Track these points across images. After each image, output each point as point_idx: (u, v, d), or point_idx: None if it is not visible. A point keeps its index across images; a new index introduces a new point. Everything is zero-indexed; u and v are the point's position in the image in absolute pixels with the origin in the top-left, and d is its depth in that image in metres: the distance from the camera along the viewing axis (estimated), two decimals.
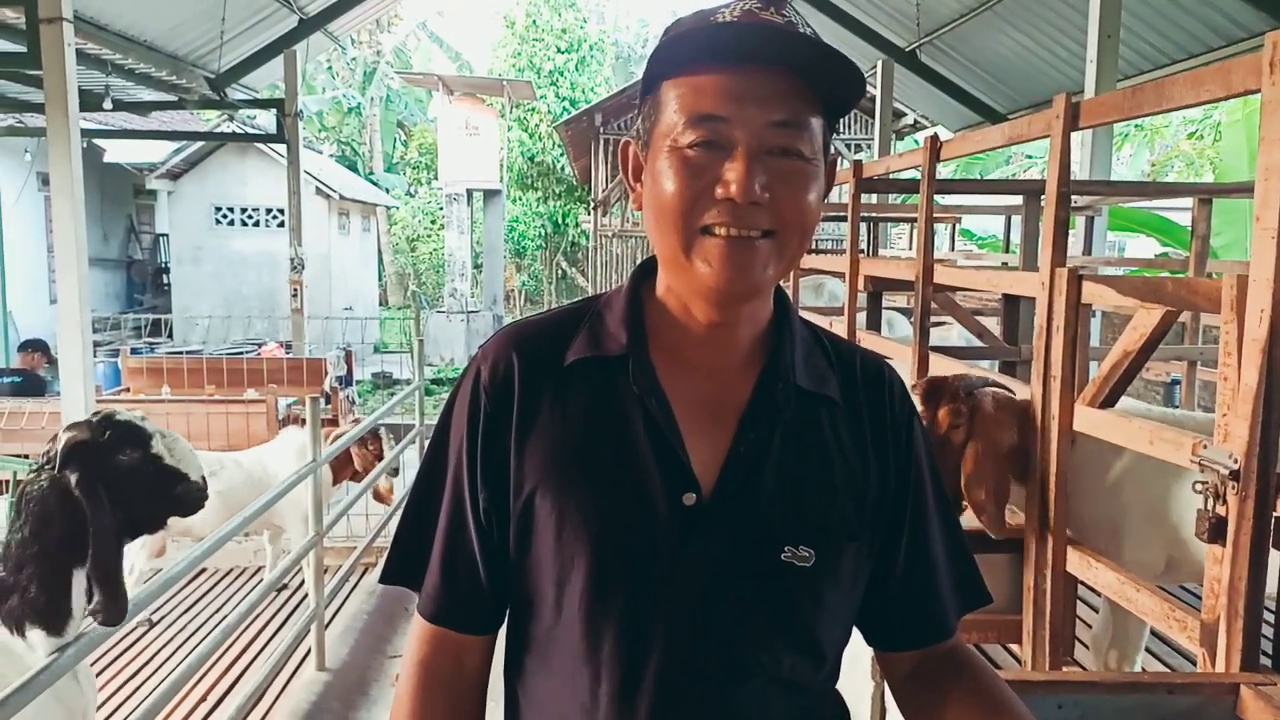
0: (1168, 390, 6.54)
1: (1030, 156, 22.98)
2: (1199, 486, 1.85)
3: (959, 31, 9.70)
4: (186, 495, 2.33)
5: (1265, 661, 1.86)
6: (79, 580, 2.09)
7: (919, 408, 2.40)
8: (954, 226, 10.02)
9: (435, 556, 0.98)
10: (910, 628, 1.03)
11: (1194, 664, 3.37)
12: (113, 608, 2.08)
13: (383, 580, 1.04)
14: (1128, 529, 2.54)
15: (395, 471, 5.95)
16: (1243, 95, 1.86)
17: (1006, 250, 8.90)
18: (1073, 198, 4.99)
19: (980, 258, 9.06)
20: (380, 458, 5.58)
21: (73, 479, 2.07)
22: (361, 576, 5.64)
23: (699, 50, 0.87)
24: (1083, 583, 2.49)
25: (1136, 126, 18.25)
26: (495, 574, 0.97)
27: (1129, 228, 11.37)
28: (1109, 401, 2.34)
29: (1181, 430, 1.99)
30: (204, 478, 2.38)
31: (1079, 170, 6.27)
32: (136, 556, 4.81)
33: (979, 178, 16.20)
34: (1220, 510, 1.79)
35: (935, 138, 3.26)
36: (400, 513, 1.08)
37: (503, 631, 1.02)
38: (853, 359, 1.02)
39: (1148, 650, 2.81)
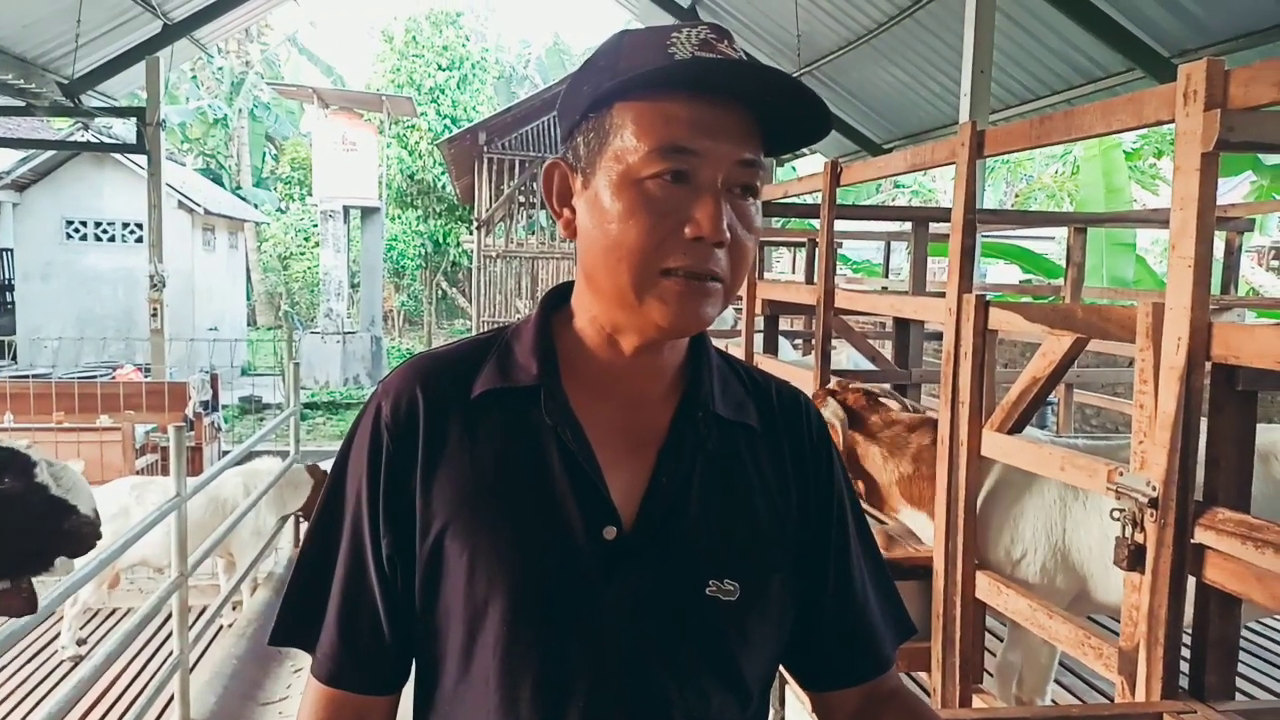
0: (1040, 413, 6.81)
1: (899, 185, 23.94)
2: (1116, 514, 1.85)
3: (838, 63, 9.98)
4: (75, 530, 2.08)
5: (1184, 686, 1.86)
6: None
7: (843, 410, 2.44)
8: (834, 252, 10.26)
9: (332, 611, 0.91)
10: (847, 662, 0.99)
11: (1103, 694, 3.46)
12: None
13: (273, 642, 0.95)
14: (1026, 556, 2.56)
15: None
16: (1154, 125, 1.89)
17: (886, 275, 9.17)
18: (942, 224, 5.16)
19: (861, 282, 9.30)
20: None
21: None
22: (230, 623, 5.27)
23: (669, 76, 0.82)
24: (991, 610, 2.49)
25: (1003, 161, 19.25)
26: (399, 627, 0.90)
27: (990, 255, 11.94)
28: (1017, 427, 2.35)
29: (1095, 457, 2.00)
30: (95, 511, 2.15)
31: (948, 199, 6.48)
32: (85, 589, 4.46)
33: (853, 204, 16.72)
34: (1139, 538, 1.79)
35: (835, 163, 3.26)
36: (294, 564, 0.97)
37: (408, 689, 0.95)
38: (768, 387, 1.00)
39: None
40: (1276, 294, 11.20)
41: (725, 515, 0.90)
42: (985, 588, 2.44)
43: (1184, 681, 1.86)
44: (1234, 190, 13.14)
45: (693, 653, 0.87)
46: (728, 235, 0.83)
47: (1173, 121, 1.70)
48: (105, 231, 15.56)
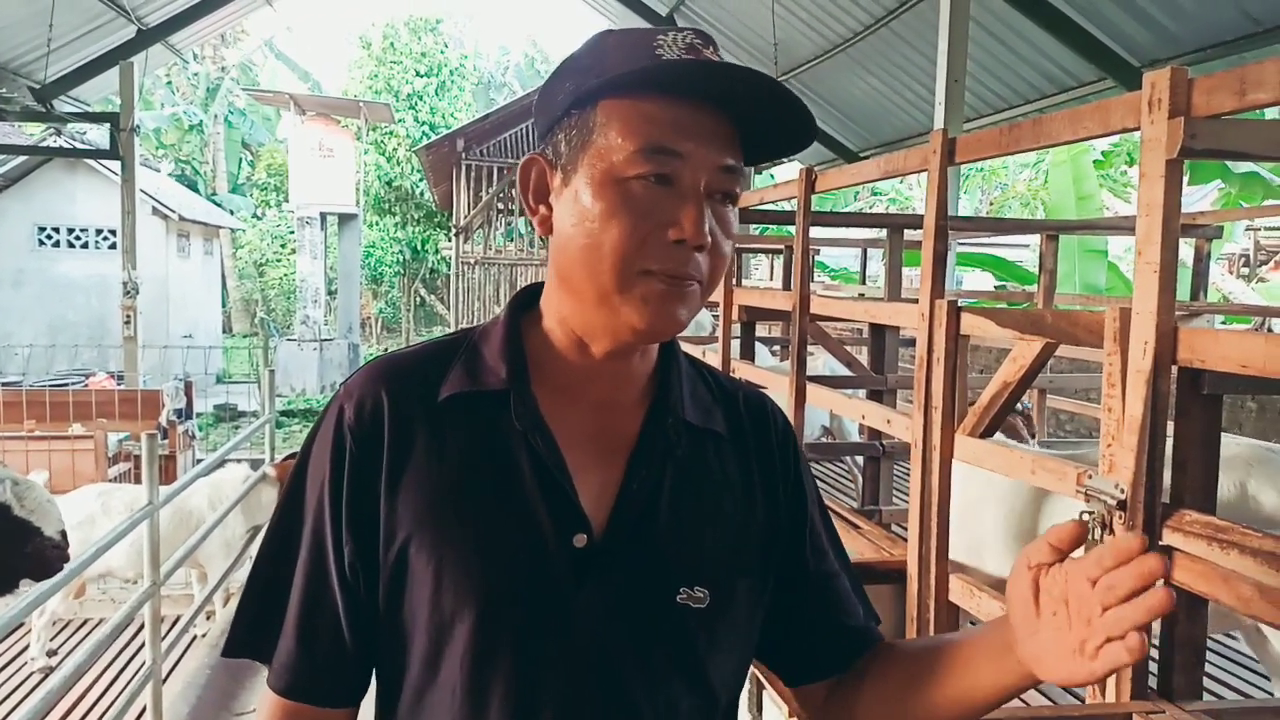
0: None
1: (877, 193, 24.11)
2: (1085, 516, 1.87)
3: (815, 72, 10.06)
4: (39, 554, 2.00)
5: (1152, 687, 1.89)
6: None
7: None
8: (810, 259, 10.33)
9: (291, 620, 0.88)
10: (836, 652, 0.98)
11: (1073, 695, 3.49)
12: None
13: (226, 653, 0.91)
14: (989, 553, 2.59)
15: None
16: (1121, 133, 1.91)
17: (863, 282, 9.23)
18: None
19: (838, 288, 9.36)
20: None
21: None
22: (204, 633, 5.22)
23: (659, 77, 0.82)
24: (965, 613, 2.51)
25: (977, 169, 19.44)
26: (360, 635, 0.88)
27: (966, 264, 12.07)
28: (988, 432, 2.37)
29: (1064, 460, 2.02)
30: (63, 533, 2.07)
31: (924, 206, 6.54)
32: (53, 600, 4.38)
33: (830, 210, 16.84)
34: (1108, 540, 1.81)
35: (810, 170, 3.28)
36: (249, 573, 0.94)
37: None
38: (735, 393, 0.99)
39: None
40: (1246, 300, 11.37)
41: (695, 522, 0.89)
42: (959, 591, 2.46)
43: (1153, 682, 1.88)
44: (1204, 198, 13.33)
45: (663, 659, 0.86)
46: (709, 239, 0.83)
47: (1138, 129, 1.73)
48: (78, 238, 15.42)
